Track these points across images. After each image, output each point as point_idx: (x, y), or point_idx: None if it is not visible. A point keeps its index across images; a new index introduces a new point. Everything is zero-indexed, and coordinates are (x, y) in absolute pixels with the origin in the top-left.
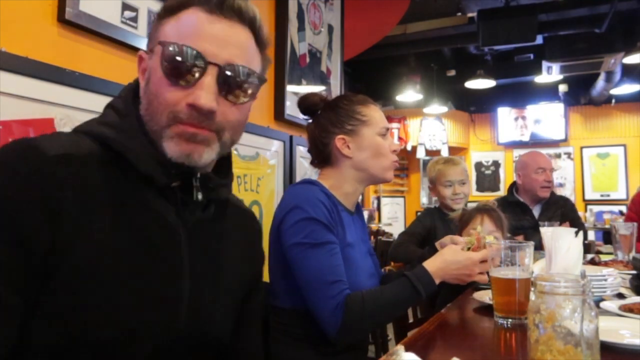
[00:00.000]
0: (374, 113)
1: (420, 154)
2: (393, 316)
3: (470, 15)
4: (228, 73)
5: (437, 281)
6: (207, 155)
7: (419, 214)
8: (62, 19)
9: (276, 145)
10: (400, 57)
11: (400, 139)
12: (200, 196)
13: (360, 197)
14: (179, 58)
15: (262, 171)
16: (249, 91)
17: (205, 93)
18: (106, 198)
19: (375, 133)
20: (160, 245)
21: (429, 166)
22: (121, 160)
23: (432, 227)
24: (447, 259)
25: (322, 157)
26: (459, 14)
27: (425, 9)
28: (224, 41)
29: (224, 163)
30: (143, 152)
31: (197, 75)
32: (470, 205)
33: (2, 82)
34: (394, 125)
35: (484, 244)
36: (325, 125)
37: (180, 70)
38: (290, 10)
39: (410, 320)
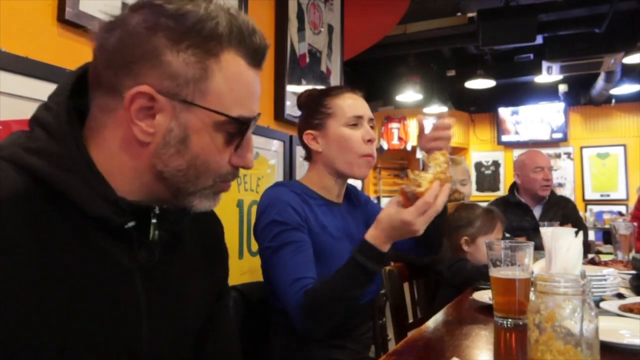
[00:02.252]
0: (343, 103)
1: (420, 154)
2: (351, 300)
3: (470, 15)
4: (254, 124)
5: (385, 249)
6: None
7: None
8: (62, 19)
9: (276, 145)
10: (400, 57)
11: (400, 139)
12: (157, 235)
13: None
14: (243, 128)
15: (261, 171)
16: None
17: (252, 154)
18: (37, 246)
19: (340, 124)
20: (112, 292)
21: None
22: (59, 197)
23: None
24: (385, 227)
25: (306, 152)
26: (459, 14)
27: (425, 9)
28: (259, 96)
29: None
30: (89, 189)
31: (244, 135)
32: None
33: (2, 82)
34: (394, 125)
35: (411, 191)
36: (299, 121)
37: (237, 137)
38: (290, 10)
39: (410, 320)
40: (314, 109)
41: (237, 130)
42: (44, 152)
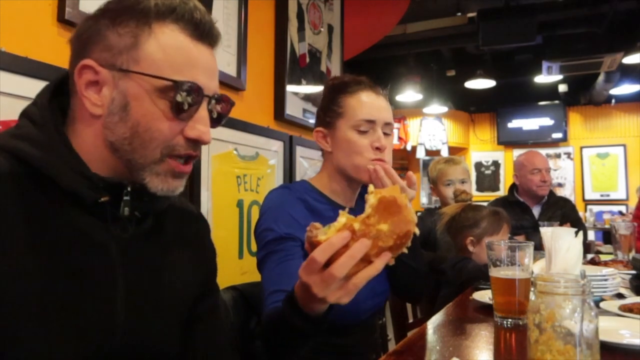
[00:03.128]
0: (356, 103)
1: (420, 154)
2: (290, 346)
3: (470, 15)
4: (216, 104)
5: (308, 307)
6: (183, 187)
7: (419, 214)
8: (62, 19)
9: (276, 145)
10: (400, 57)
11: (400, 139)
12: (127, 211)
13: None
14: (183, 94)
15: (261, 171)
16: (224, 117)
17: (207, 128)
18: (20, 219)
19: (349, 127)
20: (87, 266)
21: (430, 167)
22: (40, 177)
23: (432, 227)
24: (301, 288)
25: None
26: (459, 14)
27: (425, 9)
28: (212, 72)
29: None
30: (65, 166)
31: (194, 108)
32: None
33: (2, 82)
34: (394, 125)
35: (310, 238)
36: (316, 114)
37: (182, 105)
38: (290, 10)
39: (410, 320)
40: (327, 105)
41: (180, 97)
42: (26, 136)
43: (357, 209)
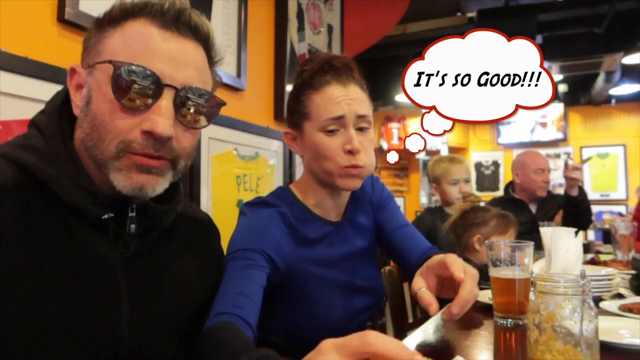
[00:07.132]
0: (320, 100)
1: (420, 154)
2: None
3: (470, 15)
4: (185, 97)
5: None
6: (160, 187)
7: (419, 213)
8: (61, 19)
9: (276, 145)
10: (400, 57)
11: (400, 138)
12: (133, 228)
13: None
14: (133, 81)
15: (261, 171)
16: (207, 116)
17: (163, 119)
18: (23, 232)
19: (316, 129)
20: (90, 281)
21: (431, 164)
22: (45, 189)
23: (432, 226)
24: None
25: None
26: (459, 13)
27: (425, 8)
28: (181, 62)
29: (168, 188)
30: (70, 180)
31: (152, 99)
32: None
33: (2, 82)
34: (394, 125)
35: None
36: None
37: (134, 93)
38: (289, 10)
39: (410, 320)
40: (292, 104)
41: (126, 81)
42: (33, 148)
43: (346, 217)
